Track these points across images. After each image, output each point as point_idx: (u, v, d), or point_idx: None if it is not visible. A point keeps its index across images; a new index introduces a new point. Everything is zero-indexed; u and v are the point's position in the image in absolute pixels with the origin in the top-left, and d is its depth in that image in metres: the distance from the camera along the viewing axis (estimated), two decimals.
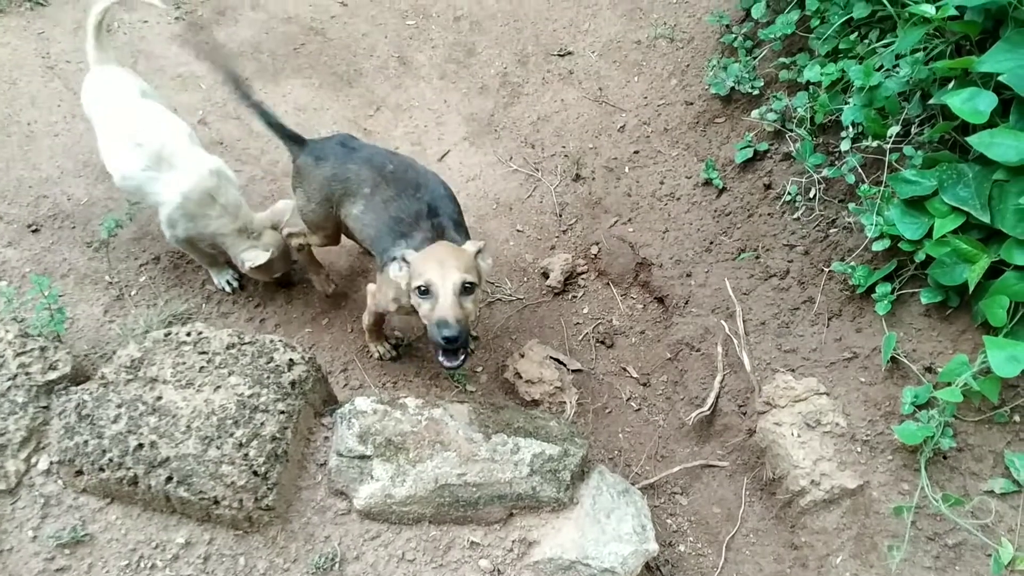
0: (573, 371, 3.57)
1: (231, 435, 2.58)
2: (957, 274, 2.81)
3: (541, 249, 3.93)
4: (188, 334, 2.84)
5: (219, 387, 2.69)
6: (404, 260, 2.81)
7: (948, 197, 2.82)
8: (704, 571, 2.99)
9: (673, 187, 3.95)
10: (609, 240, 3.88)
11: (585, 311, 3.79)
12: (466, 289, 2.69)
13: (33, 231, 3.83)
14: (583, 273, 3.85)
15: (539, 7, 4.62)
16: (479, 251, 2.85)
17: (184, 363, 2.74)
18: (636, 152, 4.12)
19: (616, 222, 3.94)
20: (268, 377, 2.73)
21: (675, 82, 4.27)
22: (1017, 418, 2.81)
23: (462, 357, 2.74)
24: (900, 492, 2.85)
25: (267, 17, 4.61)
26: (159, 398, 2.65)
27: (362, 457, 2.68)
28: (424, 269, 2.69)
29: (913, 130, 3.08)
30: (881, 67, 3.16)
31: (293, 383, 2.74)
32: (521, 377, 3.44)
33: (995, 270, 2.77)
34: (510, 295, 3.81)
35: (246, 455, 2.56)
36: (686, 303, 3.64)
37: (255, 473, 2.55)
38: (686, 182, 3.94)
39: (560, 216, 4.02)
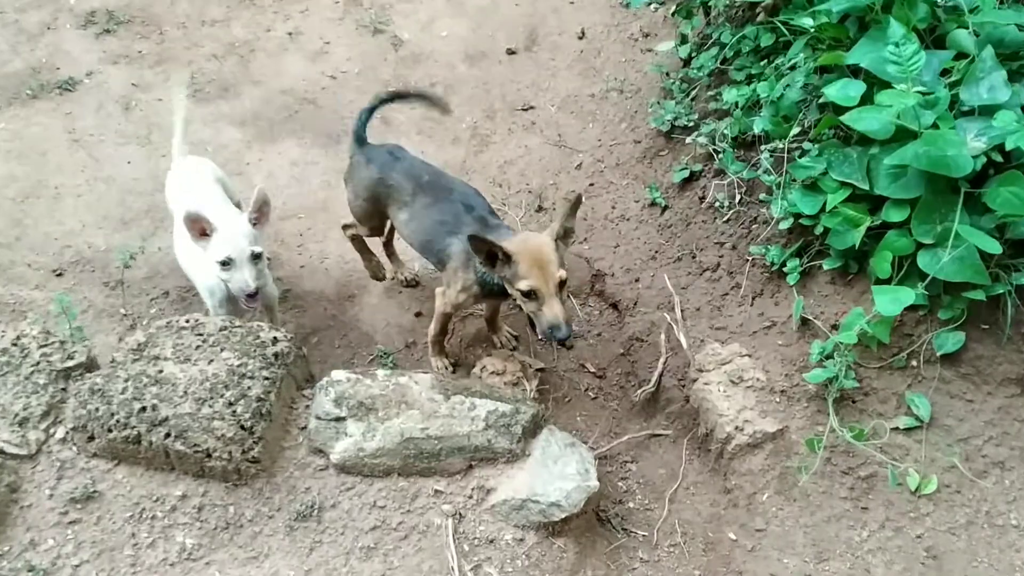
0: (537, 370, 3.95)
1: (221, 396, 2.98)
2: (849, 238, 3.23)
3: None
4: (187, 320, 3.27)
5: (212, 360, 3.10)
6: (503, 251, 3.04)
7: (836, 174, 3.28)
8: (651, 522, 3.29)
9: (623, 210, 4.42)
10: (567, 257, 4.33)
11: None
12: (562, 284, 3.08)
13: (57, 275, 4.34)
14: None
15: (504, 72, 5.25)
16: (558, 235, 3.15)
17: (183, 343, 3.17)
18: (591, 184, 4.63)
19: (573, 242, 4.40)
20: (255, 350, 3.14)
21: (624, 125, 4.81)
22: (914, 363, 3.18)
23: (570, 333, 3.12)
24: (815, 434, 3.18)
25: (266, 91, 5.25)
26: (160, 371, 3.06)
27: (337, 419, 3.06)
28: (527, 272, 3.01)
29: (810, 129, 3.55)
30: (782, 76, 3.67)
31: (276, 355, 3.15)
32: (486, 369, 3.82)
33: (882, 233, 3.18)
34: (483, 310, 4.23)
35: (234, 411, 2.94)
36: (635, 304, 4.06)
37: (242, 427, 2.93)
38: (634, 205, 4.42)
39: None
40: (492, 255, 3.09)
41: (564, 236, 3.20)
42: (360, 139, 3.78)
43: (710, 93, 4.32)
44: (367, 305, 4.33)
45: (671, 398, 3.64)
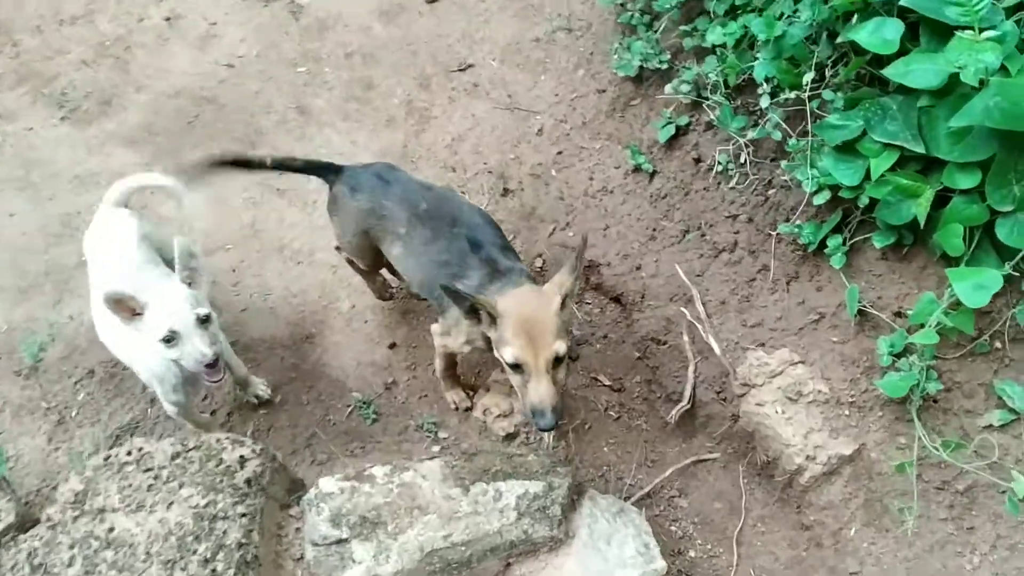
0: None
1: (194, 552, 2.40)
2: (905, 211, 2.70)
3: None
4: (129, 453, 2.64)
5: (171, 503, 2.50)
6: (487, 309, 2.56)
7: (878, 135, 2.71)
8: (720, 571, 2.85)
9: (604, 181, 3.81)
10: (551, 249, 3.74)
11: None
12: (559, 360, 2.55)
13: None
14: None
15: (429, 26, 4.47)
16: (566, 296, 2.59)
17: (130, 485, 2.55)
18: (559, 153, 3.99)
19: (555, 229, 3.81)
20: (221, 481, 2.55)
21: (582, 72, 4.14)
22: (998, 344, 2.71)
23: (555, 423, 2.61)
24: (898, 447, 2.74)
25: (154, 97, 4.41)
26: (111, 529, 2.46)
27: (339, 542, 2.51)
28: (512, 340, 2.52)
29: (828, 73, 2.97)
30: (782, 15, 3.05)
31: (249, 481, 2.56)
32: (491, 413, 3.29)
33: (942, 199, 2.66)
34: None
35: (214, 571, 2.37)
36: (642, 297, 3.50)
37: None
38: (616, 173, 3.81)
39: None
40: (475, 307, 2.58)
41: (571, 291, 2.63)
42: (327, 167, 3.16)
43: (683, 28, 3.65)
44: (331, 344, 3.71)
45: (711, 414, 3.15)
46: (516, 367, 2.55)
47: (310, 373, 3.66)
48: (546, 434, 3.25)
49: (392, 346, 3.69)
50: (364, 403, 3.54)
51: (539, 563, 2.63)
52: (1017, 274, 2.55)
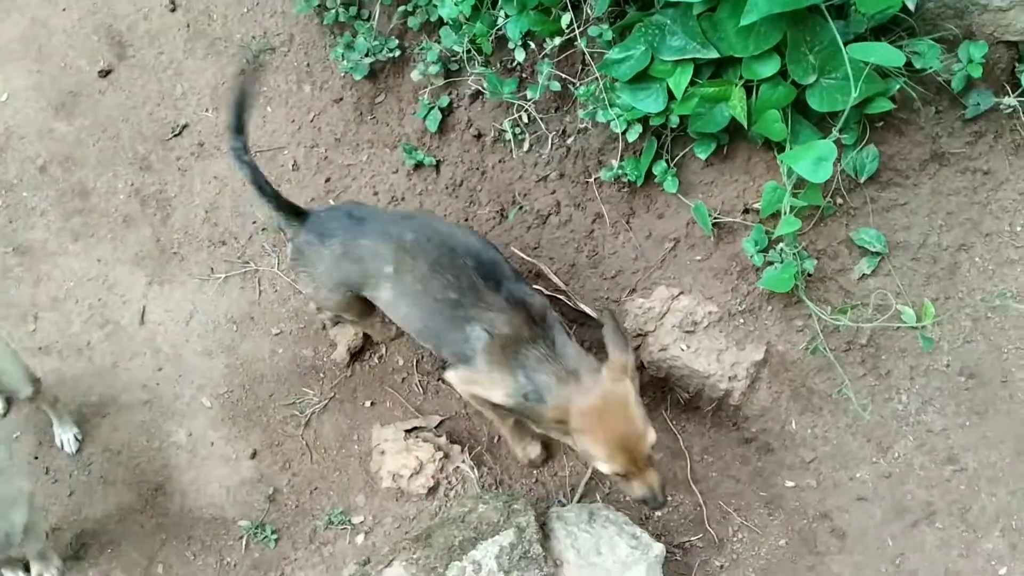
0: (438, 426, 3.21)
1: None
2: (719, 117, 2.70)
3: (314, 333, 3.44)
4: None
5: None
6: (560, 419, 2.35)
7: (666, 54, 2.67)
8: (692, 517, 2.85)
9: (390, 190, 3.54)
10: None
11: (399, 361, 3.40)
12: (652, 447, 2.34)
13: None
14: None
15: (118, 102, 3.87)
16: (633, 376, 2.37)
17: None
18: (327, 180, 3.65)
19: None
20: None
21: (309, 88, 3.78)
22: (840, 200, 2.82)
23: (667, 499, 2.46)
24: (798, 331, 2.83)
25: None
26: None
27: None
28: (608, 458, 2.28)
29: (586, 9, 2.87)
30: None
31: None
32: (400, 477, 3.03)
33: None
34: (320, 400, 3.33)
35: None
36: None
37: None
38: (397, 177, 3.55)
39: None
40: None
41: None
42: (292, 209, 2.65)
43: (402, 8, 3.40)
44: (187, 485, 3.25)
45: None
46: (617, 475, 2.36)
47: (180, 525, 3.20)
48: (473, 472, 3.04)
49: (254, 455, 3.30)
50: (256, 527, 3.17)
51: None
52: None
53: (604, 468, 2.32)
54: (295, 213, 2.66)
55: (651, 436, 2.29)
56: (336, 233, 2.60)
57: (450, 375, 2.63)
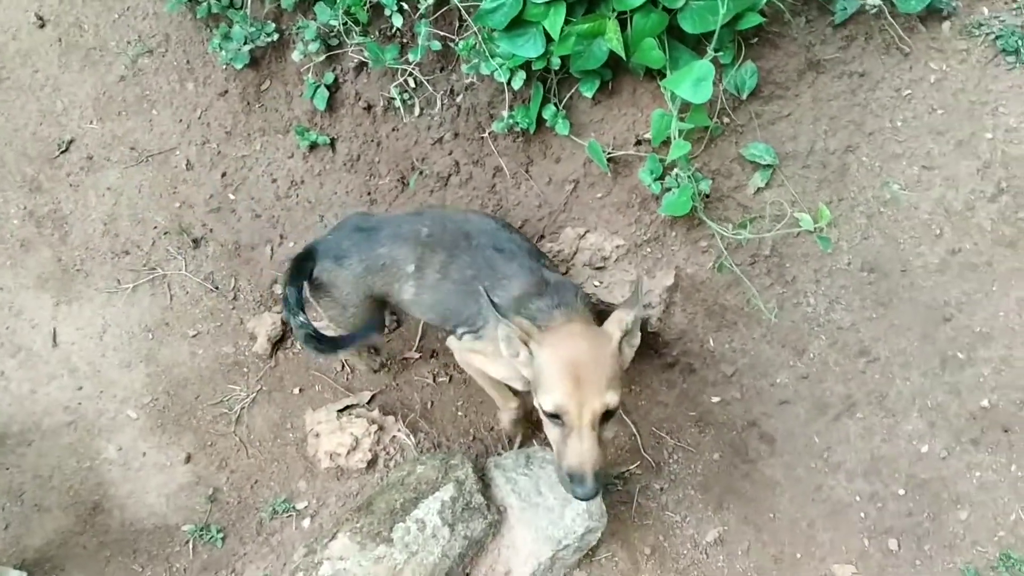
0: (370, 401, 3.21)
1: None
2: (598, 52, 2.75)
3: (232, 330, 3.41)
4: None
5: None
6: (525, 335, 2.14)
7: None
8: (627, 445, 2.93)
9: (288, 175, 3.52)
10: (283, 268, 3.43)
11: None
12: (608, 414, 2.09)
13: None
14: None
15: (0, 125, 3.78)
16: (626, 332, 2.16)
17: None
18: (224, 175, 3.60)
19: (272, 248, 3.51)
20: None
21: (192, 85, 3.71)
22: (725, 120, 2.89)
23: (596, 492, 2.11)
24: (703, 252, 2.89)
25: None
26: None
27: None
28: (555, 384, 2.06)
29: None
30: None
31: None
32: (339, 455, 3.02)
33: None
34: (248, 394, 3.30)
35: None
36: None
37: None
38: (294, 161, 3.52)
39: (217, 290, 3.49)
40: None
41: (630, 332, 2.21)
42: (303, 257, 2.68)
43: None
44: (125, 497, 3.21)
45: None
46: (555, 417, 2.11)
47: (123, 540, 3.16)
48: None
49: (188, 459, 3.26)
50: (201, 529, 3.14)
51: (492, 555, 2.54)
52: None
53: (546, 401, 2.09)
54: (305, 258, 2.68)
55: (611, 397, 2.05)
56: (351, 252, 2.60)
57: (452, 342, 2.66)
